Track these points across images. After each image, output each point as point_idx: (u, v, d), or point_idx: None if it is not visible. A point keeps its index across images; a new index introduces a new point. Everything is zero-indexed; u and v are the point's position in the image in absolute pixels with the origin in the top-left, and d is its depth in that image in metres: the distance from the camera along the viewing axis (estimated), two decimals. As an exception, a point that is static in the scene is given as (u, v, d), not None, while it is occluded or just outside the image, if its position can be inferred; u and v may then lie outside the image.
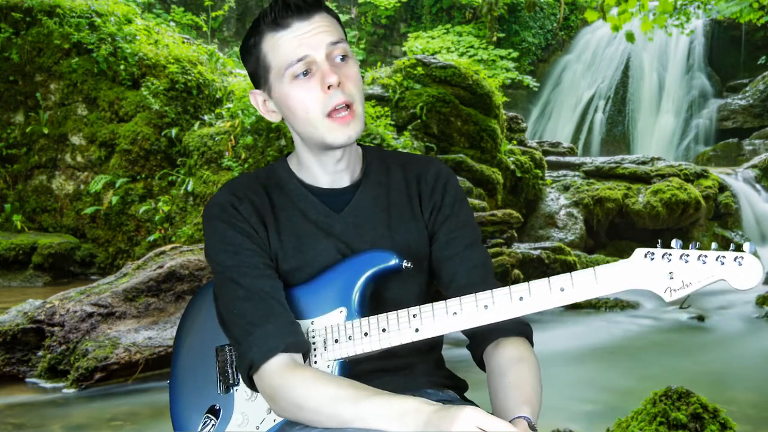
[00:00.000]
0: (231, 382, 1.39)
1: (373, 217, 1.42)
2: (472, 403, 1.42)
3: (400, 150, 6.01)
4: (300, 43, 1.31)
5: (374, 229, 1.41)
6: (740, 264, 1.11)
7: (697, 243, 1.15)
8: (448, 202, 1.46)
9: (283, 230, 1.39)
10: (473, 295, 1.24)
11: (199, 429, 1.39)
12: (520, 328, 1.39)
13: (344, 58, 1.34)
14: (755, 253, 1.11)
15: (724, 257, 1.12)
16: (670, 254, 1.15)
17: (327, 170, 1.42)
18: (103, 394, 3.57)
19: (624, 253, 8.33)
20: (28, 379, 3.75)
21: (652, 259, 1.16)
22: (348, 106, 1.33)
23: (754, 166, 9.75)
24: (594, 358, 4.67)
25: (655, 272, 1.15)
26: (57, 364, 3.73)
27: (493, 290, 1.24)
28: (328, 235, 1.39)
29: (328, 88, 1.30)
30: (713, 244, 1.14)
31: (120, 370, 3.68)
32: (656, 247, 1.17)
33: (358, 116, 1.34)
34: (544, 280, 1.21)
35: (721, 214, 8.84)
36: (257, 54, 1.37)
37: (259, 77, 1.40)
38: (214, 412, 1.39)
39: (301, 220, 1.40)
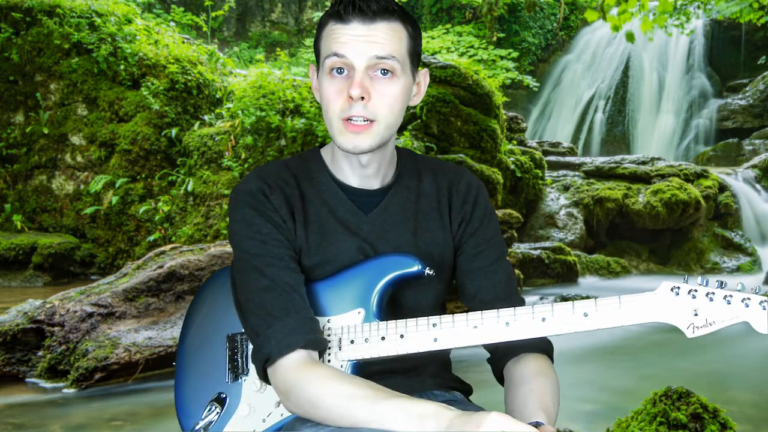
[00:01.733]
0: (240, 371, 1.38)
1: (400, 222, 1.42)
2: (475, 405, 1.43)
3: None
4: (346, 41, 1.29)
5: (400, 235, 1.41)
6: (764, 308, 1.12)
7: (725, 282, 1.16)
8: (478, 215, 1.46)
9: (310, 224, 1.38)
10: (496, 310, 1.24)
11: (202, 416, 1.38)
12: (543, 345, 1.40)
13: (388, 73, 1.31)
14: None
15: (749, 299, 1.13)
16: (695, 291, 1.16)
17: (355, 172, 1.41)
18: (103, 394, 3.56)
19: (624, 253, 8.33)
20: (28, 379, 3.75)
21: (678, 294, 1.17)
22: (369, 122, 1.31)
23: (754, 166, 9.75)
24: (594, 358, 4.66)
25: (680, 308, 1.16)
26: (57, 364, 3.72)
27: (516, 308, 1.24)
28: (354, 235, 1.39)
29: (350, 98, 1.29)
30: (739, 284, 1.15)
31: (120, 370, 3.67)
32: (684, 282, 1.17)
33: (376, 133, 1.32)
34: (569, 303, 1.21)
35: (721, 214, 8.83)
36: (318, 35, 1.37)
37: (316, 56, 1.39)
38: (219, 400, 1.38)
39: (329, 216, 1.39)
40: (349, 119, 1.30)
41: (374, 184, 1.43)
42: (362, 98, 1.29)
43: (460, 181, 1.48)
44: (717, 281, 1.16)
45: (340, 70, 1.31)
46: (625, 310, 1.18)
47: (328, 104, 1.32)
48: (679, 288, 1.17)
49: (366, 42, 1.29)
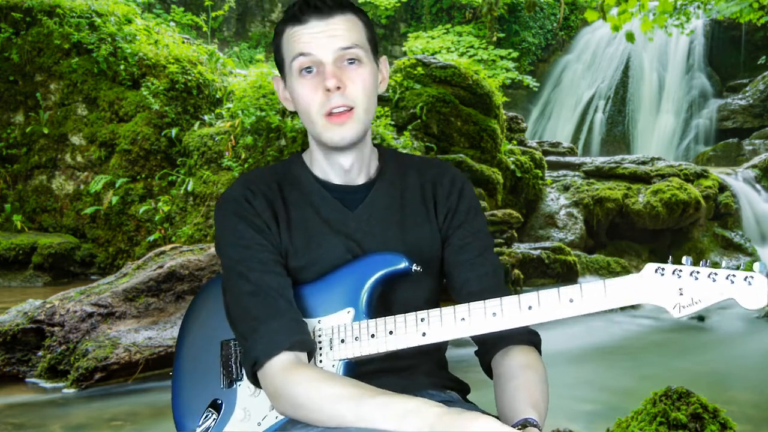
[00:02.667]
0: (234, 376, 1.39)
1: (386, 217, 1.43)
2: (474, 405, 1.42)
3: (406, 152, 6.01)
4: (309, 40, 1.33)
5: (386, 230, 1.42)
6: (750, 284, 1.11)
7: (708, 261, 1.16)
8: (463, 208, 1.46)
9: (295, 227, 1.39)
10: (482, 301, 1.24)
11: (199, 422, 1.39)
12: (530, 338, 1.40)
13: (355, 62, 1.34)
14: (767, 274, 1.12)
15: (734, 276, 1.12)
16: (680, 270, 1.16)
17: (336, 169, 1.43)
18: (103, 394, 3.57)
19: (624, 253, 8.33)
20: (28, 379, 3.75)
21: (662, 274, 1.16)
22: (349, 110, 1.34)
23: (754, 166, 9.75)
24: (594, 358, 4.66)
25: (665, 288, 1.16)
26: (57, 364, 3.72)
27: (502, 298, 1.24)
28: (339, 233, 1.39)
29: (327, 90, 1.32)
30: (723, 262, 1.15)
31: (120, 370, 3.68)
32: (667, 262, 1.17)
33: (358, 119, 1.35)
34: (554, 290, 1.21)
35: (721, 214, 8.83)
36: (278, 43, 1.40)
37: (280, 65, 1.43)
38: (215, 406, 1.39)
39: (314, 216, 1.40)
40: (330, 114, 1.34)
41: (358, 180, 1.44)
42: (338, 88, 1.32)
43: (444, 175, 1.49)
44: (702, 261, 1.16)
45: (309, 69, 1.34)
46: (610, 294, 1.18)
47: (308, 104, 1.35)
48: (663, 268, 1.16)
49: (328, 36, 1.33)
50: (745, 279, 1.12)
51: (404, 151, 4.11)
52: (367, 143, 1.43)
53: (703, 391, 2.43)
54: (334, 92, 1.32)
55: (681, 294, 1.15)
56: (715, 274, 1.13)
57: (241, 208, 1.37)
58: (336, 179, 1.43)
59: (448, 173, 1.49)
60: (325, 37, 1.32)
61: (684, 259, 1.17)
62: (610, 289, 1.18)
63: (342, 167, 1.41)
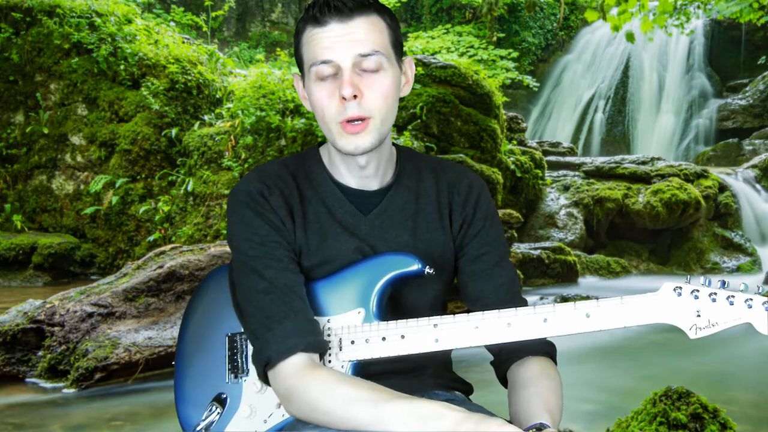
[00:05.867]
0: (240, 371, 1.37)
1: (400, 223, 1.40)
2: (478, 406, 1.42)
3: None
4: (329, 45, 1.28)
5: (399, 236, 1.40)
6: (767, 309, 1.11)
7: (727, 282, 1.15)
8: (480, 216, 1.44)
9: (309, 225, 1.37)
10: (497, 311, 1.23)
11: (203, 416, 1.37)
12: (546, 348, 1.39)
13: (376, 68, 1.29)
14: None
15: (751, 300, 1.12)
16: (698, 291, 1.15)
17: (353, 173, 1.40)
18: (103, 394, 3.56)
19: (624, 253, 8.33)
20: (28, 379, 3.75)
21: (680, 294, 1.16)
22: (363, 120, 1.30)
23: (754, 166, 9.74)
24: (594, 358, 4.66)
25: (683, 308, 1.15)
26: (57, 364, 3.72)
27: (518, 309, 1.23)
28: (353, 236, 1.37)
29: (343, 98, 1.28)
30: (742, 285, 1.14)
31: (120, 370, 3.67)
32: (686, 282, 1.17)
33: (374, 129, 1.31)
34: (571, 304, 1.21)
35: (721, 214, 8.83)
36: (297, 42, 1.35)
37: (299, 65, 1.38)
38: (220, 400, 1.37)
39: (328, 216, 1.38)
40: (347, 121, 1.29)
41: (373, 184, 1.41)
42: (354, 96, 1.28)
43: (462, 181, 1.46)
44: (720, 281, 1.15)
45: (327, 74, 1.30)
46: (627, 311, 1.18)
47: (323, 110, 1.31)
48: (681, 288, 1.16)
49: (348, 41, 1.27)
50: (763, 304, 1.11)
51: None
52: (385, 146, 1.39)
53: (703, 391, 2.43)
54: (350, 101, 1.28)
55: (698, 316, 1.14)
56: (733, 296, 1.13)
57: (257, 203, 1.34)
58: (352, 182, 1.40)
59: (465, 180, 1.46)
60: (344, 42, 1.27)
61: (702, 279, 1.16)
62: (627, 307, 1.18)
63: (358, 165, 1.38)
